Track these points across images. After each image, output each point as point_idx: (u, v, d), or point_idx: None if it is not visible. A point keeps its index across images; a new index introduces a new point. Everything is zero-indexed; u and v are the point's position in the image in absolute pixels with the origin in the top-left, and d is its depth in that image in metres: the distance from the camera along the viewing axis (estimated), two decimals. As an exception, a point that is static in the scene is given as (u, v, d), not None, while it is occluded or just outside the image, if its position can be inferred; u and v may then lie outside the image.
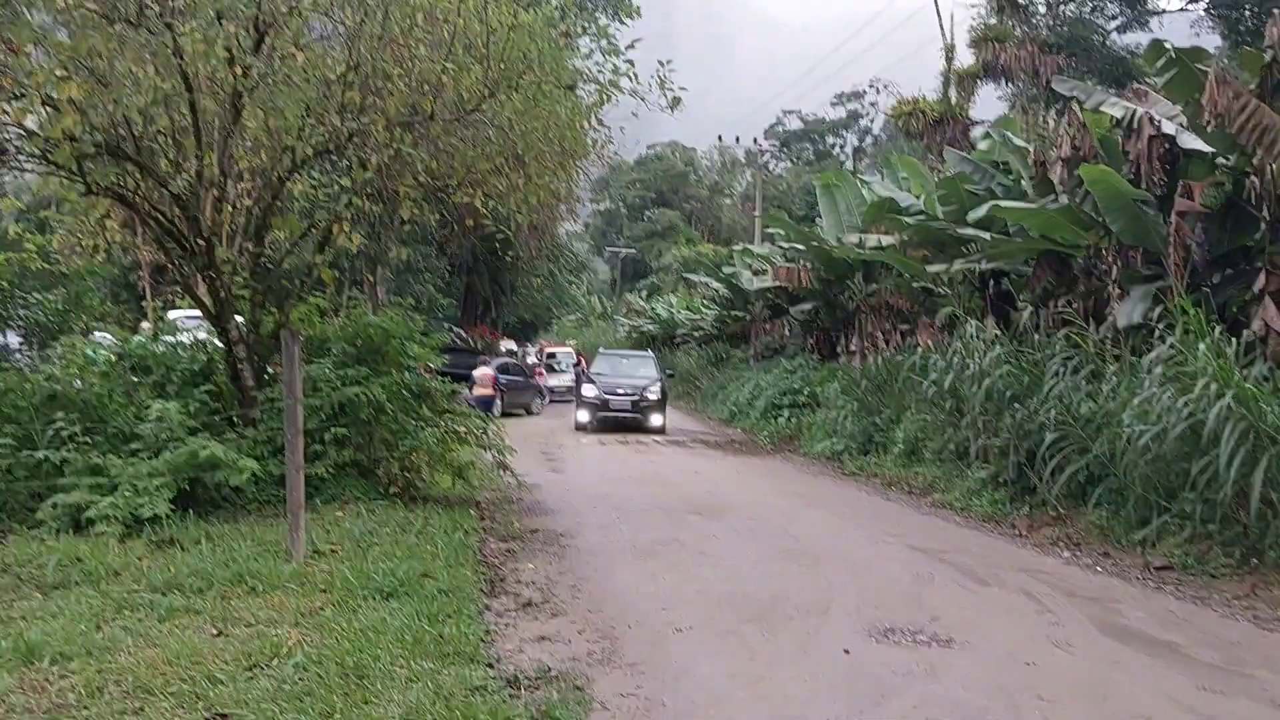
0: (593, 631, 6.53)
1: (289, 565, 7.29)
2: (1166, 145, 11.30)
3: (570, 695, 5.20)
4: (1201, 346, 9.11)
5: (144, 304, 24.78)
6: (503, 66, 9.59)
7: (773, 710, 5.16)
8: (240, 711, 4.66)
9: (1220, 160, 11.19)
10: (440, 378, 12.17)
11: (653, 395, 24.12)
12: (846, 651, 6.16)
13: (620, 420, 23.72)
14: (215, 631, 5.89)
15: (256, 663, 5.32)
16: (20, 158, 9.13)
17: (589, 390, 24.49)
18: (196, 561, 7.30)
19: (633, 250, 73.83)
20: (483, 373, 25.09)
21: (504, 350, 42.45)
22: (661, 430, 23.80)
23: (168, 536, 8.16)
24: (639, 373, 25.51)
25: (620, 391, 24.03)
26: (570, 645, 6.22)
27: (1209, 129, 10.93)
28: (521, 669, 5.64)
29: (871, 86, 72.84)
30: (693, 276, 43.50)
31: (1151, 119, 11.37)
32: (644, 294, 62.62)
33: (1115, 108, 12.12)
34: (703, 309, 40.61)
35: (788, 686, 5.53)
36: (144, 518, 8.34)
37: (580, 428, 23.97)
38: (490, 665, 5.60)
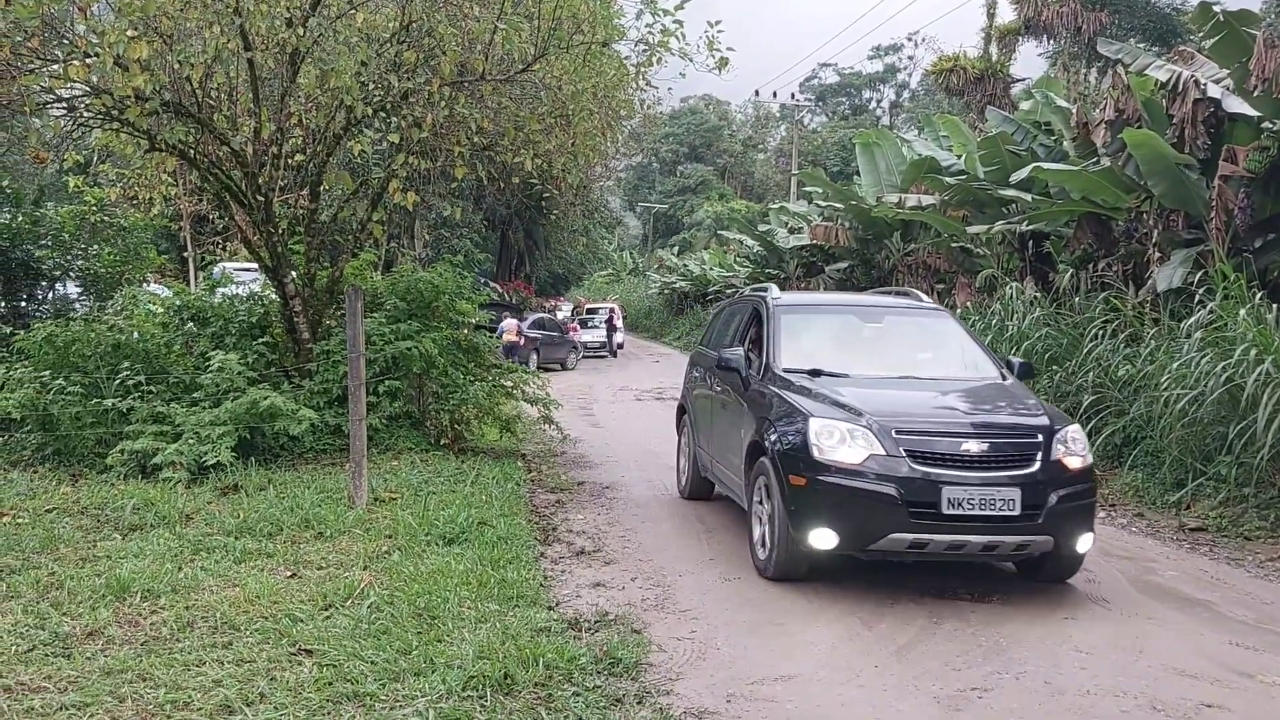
0: (645, 579, 6.81)
1: (352, 511, 7.65)
2: (1211, 109, 11.31)
3: (629, 638, 5.47)
4: (1241, 312, 9.21)
5: (185, 255, 25.19)
6: (552, 26, 9.74)
7: (829, 665, 5.43)
8: (322, 648, 4.96)
9: (1266, 125, 11.18)
10: (487, 332, 12.48)
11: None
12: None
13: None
14: (289, 573, 6.22)
15: (332, 603, 5.65)
16: (88, 114, 9.41)
17: (847, 449, 6.49)
18: (264, 507, 7.68)
19: (664, 205, 73.71)
20: (509, 323, 25.63)
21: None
22: None
23: (232, 483, 8.55)
24: (954, 369, 7.95)
25: (977, 468, 6.43)
26: (624, 591, 6.50)
27: (1255, 93, 10.92)
28: (581, 612, 5.93)
29: (910, 40, 72.15)
30: (727, 233, 43.46)
31: (1197, 82, 11.37)
32: (675, 250, 62.61)
33: (1160, 71, 12.10)
34: (736, 266, 40.61)
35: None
36: (207, 465, 8.73)
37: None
38: (551, 608, 5.89)
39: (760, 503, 7.07)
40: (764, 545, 6.95)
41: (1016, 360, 8.21)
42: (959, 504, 6.23)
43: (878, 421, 6.49)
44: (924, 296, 9.34)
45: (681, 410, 10.36)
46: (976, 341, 8.38)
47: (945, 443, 6.43)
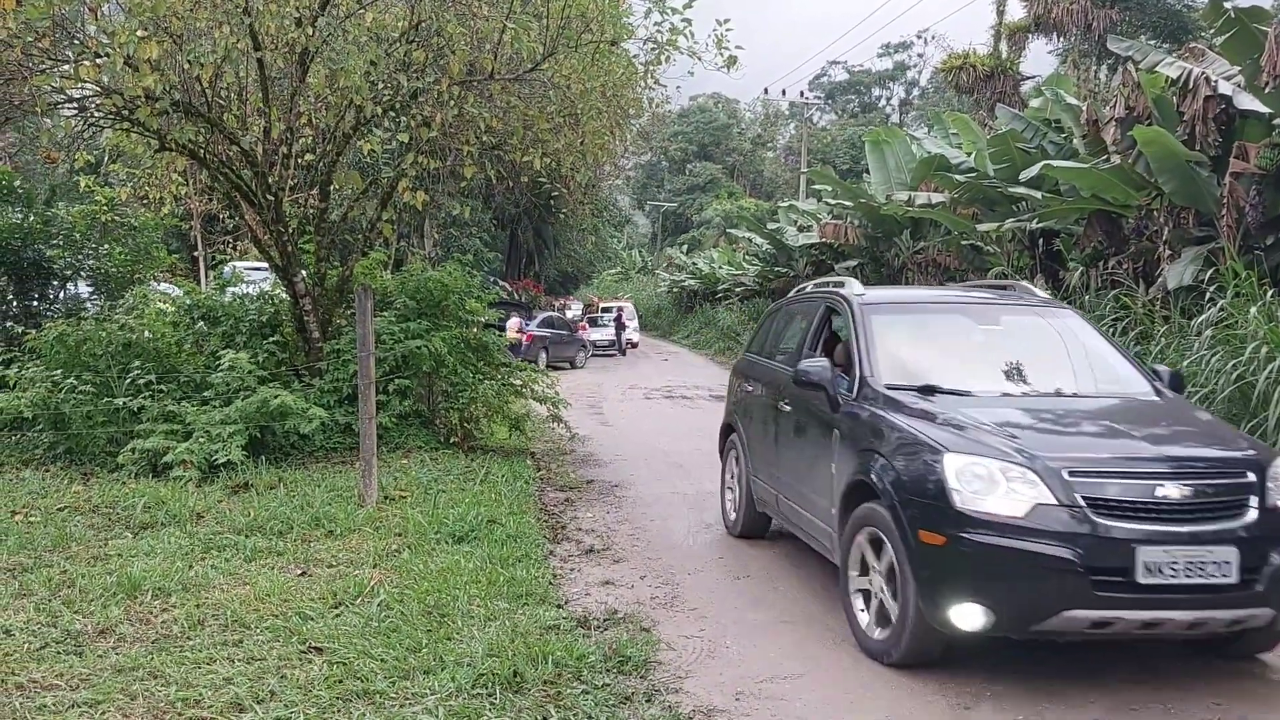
0: (653, 577, 6.82)
1: (362, 510, 7.68)
2: (1222, 106, 11.28)
3: (638, 636, 5.49)
4: (1252, 310, 9.18)
5: (195, 254, 25.29)
6: (561, 25, 9.75)
7: (838, 663, 5.42)
8: (332, 645, 4.98)
9: (1277, 122, 11.13)
10: (497, 331, 12.49)
11: None
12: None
13: None
14: (300, 571, 6.25)
15: (342, 601, 5.67)
16: (98, 114, 9.45)
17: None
18: (274, 506, 7.72)
19: (673, 204, 73.72)
20: (512, 321, 25.70)
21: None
22: None
23: (242, 482, 8.58)
24: (1097, 382, 6.22)
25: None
26: (633, 589, 6.51)
27: (1266, 90, 10.89)
28: (590, 610, 5.95)
29: (919, 38, 72.09)
30: (736, 232, 43.39)
31: (1208, 79, 11.33)
32: (684, 248, 62.58)
33: (1171, 68, 12.07)
34: (745, 264, 40.54)
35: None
36: (218, 463, 8.77)
37: None
38: (560, 606, 5.90)
39: (865, 556, 5.50)
40: (875, 618, 5.39)
41: (1164, 369, 6.50)
42: (1159, 570, 4.63)
43: (1042, 458, 4.87)
44: (1038, 290, 7.57)
45: (727, 429, 8.62)
46: (1115, 346, 6.73)
47: (1134, 486, 4.80)
